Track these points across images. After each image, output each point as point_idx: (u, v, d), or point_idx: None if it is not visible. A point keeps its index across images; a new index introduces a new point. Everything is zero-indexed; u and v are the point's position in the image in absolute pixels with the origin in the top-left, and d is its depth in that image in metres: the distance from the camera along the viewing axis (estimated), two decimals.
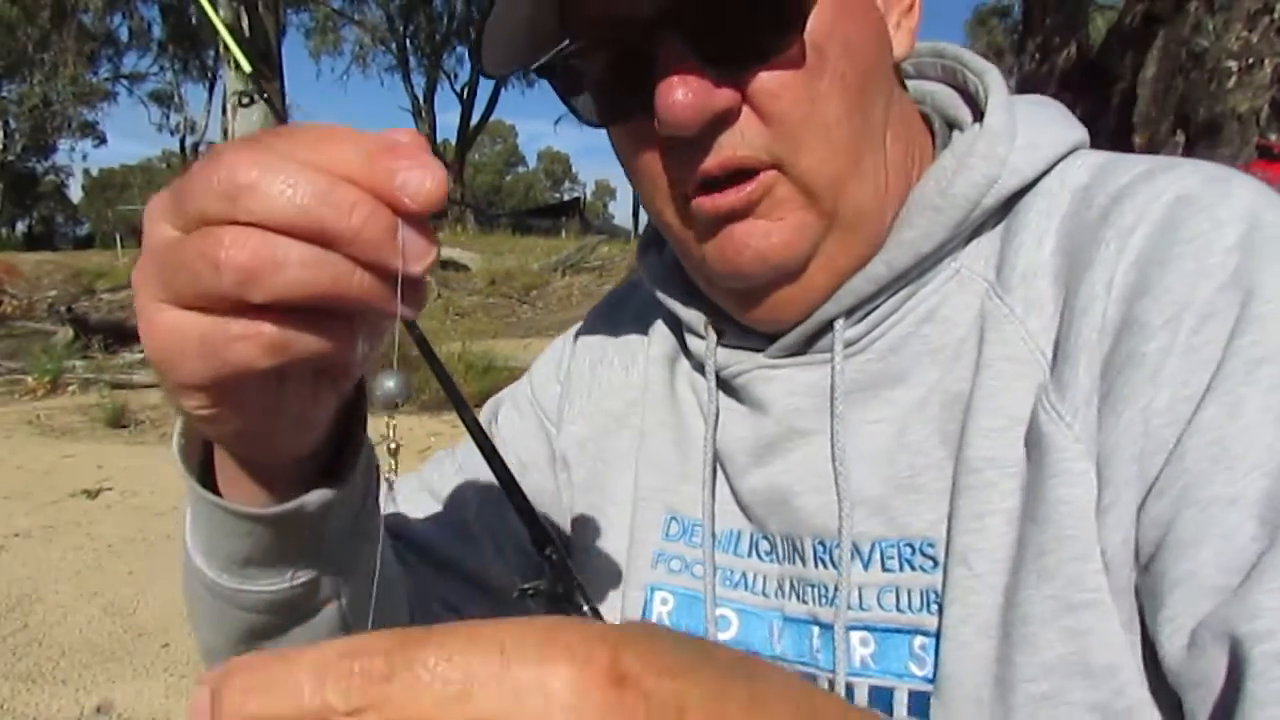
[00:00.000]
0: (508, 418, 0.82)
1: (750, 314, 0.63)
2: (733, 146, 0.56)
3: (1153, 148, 8.02)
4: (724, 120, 0.55)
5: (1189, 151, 7.39)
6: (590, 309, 0.85)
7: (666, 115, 0.54)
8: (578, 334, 0.82)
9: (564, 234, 25.37)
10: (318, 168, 0.36)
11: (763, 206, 0.57)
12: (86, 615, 3.93)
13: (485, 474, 0.77)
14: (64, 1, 27.72)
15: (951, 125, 0.65)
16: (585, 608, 0.50)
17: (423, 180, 0.36)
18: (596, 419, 0.75)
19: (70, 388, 9.24)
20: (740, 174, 0.57)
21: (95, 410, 7.95)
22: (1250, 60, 7.29)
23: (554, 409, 0.79)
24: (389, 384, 0.40)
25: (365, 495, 0.57)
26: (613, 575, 0.70)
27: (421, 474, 0.83)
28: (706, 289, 0.66)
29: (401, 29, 34.93)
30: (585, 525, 0.74)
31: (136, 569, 4.48)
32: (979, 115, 0.62)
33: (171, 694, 3.28)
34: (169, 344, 0.39)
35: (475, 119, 34.63)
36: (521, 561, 0.75)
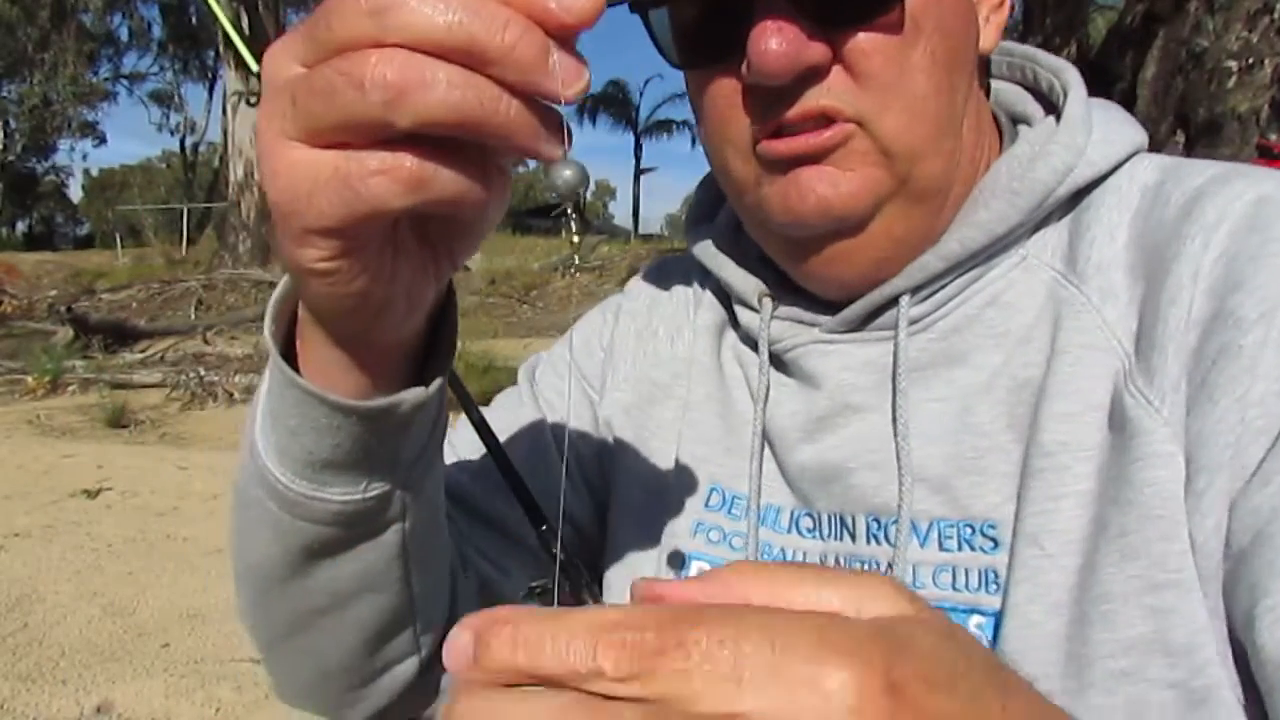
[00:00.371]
0: (548, 381, 0.81)
1: (805, 266, 0.64)
2: (817, 98, 0.57)
3: (1153, 148, 7.96)
4: (813, 75, 0.56)
5: (1189, 151, 7.39)
6: (629, 285, 0.85)
7: (758, 61, 0.54)
8: (621, 303, 0.82)
9: (564, 234, 25.31)
10: None
11: (836, 155, 0.58)
12: (86, 615, 3.93)
13: (525, 437, 0.78)
14: (64, 1, 27.72)
15: (1017, 121, 0.67)
16: (585, 594, 0.50)
17: None
18: (642, 387, 0.76)
19: (70, 388, 9.23)
20: (819, 122, 0.57)
21: (95, 410, 7.94)
22: (1250, 60, 7.29)
23: (596, 375, 0.79)
24: (566, 173, 0.37)
25: (437, 418, 0.57)
26: (650, 542, 0.71)
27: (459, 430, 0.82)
28: (762, 240, 0.67)
29: None
30: (626, 491, 0.74)
31: (136, 569, 4.47)
32: (1049, 111, 0.64)
33: (171, 694, 3.28)
34: (298, 183, 0.37)
35: None
36: (565, 530, 0.75)
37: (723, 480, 0.69)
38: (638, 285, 0.83)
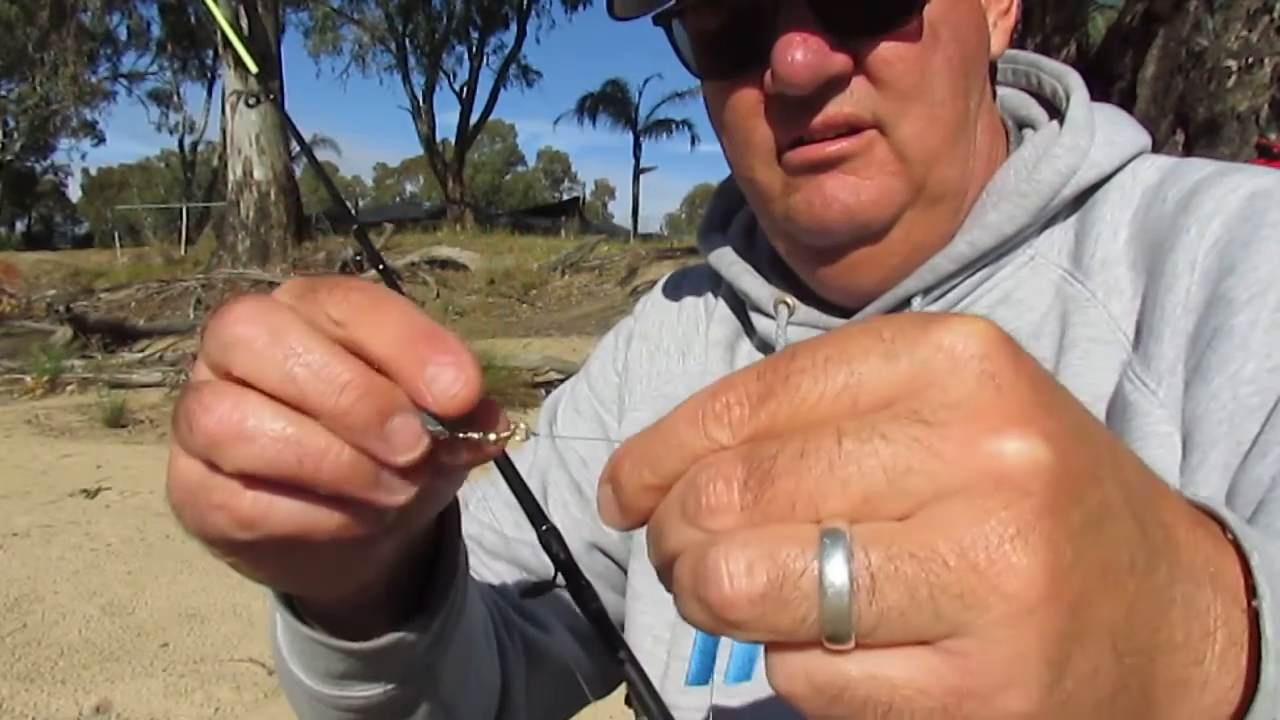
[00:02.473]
0: (566, 420, 0.83)
1: (825, 274, 0.65)
2: (840, 105, 0.58)
3: (1153, 147, 7.99)
4: (835, 84, 0.57)
5: (1189, 151, 7.39)
6: (643, 297, 0.86)
7: (784, 72, 0.56)
8: (633, 326, 0.84)
9: (563, 233, 25.38)
10: (330, 336, 0.34)
11: (857, 162, 0.59)
12: (85, 615, 3.93)
13: (541, 478, 0.79)
14: (64, 1, 27.71)
15: (1022, 125, 0.69)
16: (592, 606, 0.50)
17: (454, 381, 0.33)
18: (659, 403, 0.77)
19: (69, 387, 9.23)
20: (841, 130, 0.59)
21: (94, 410, 7.94)
22: (1250, 60, 7.29)
23: (613, 400, 0.81)
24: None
25: (450, 610, 0.56)
26: None
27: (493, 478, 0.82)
28: (783, 247, 0.68)
29: (400, 28, 34.87)
30: None
31: (135, 569, 4.47)
32: (1053, 115, 0.66)
33: (170, 693, 3.27)
34: (174, 489, 0.37)
35: (474, 118, 34.57)
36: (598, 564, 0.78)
37: None
38: (647, 306, 0.84)
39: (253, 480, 0.35)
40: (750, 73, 0.60)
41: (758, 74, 0.59)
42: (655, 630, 0.70)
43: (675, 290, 0.83)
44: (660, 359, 0.79)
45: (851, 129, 0.59)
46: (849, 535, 0.23)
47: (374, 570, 0.46)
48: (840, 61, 0.57)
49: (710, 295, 0.79)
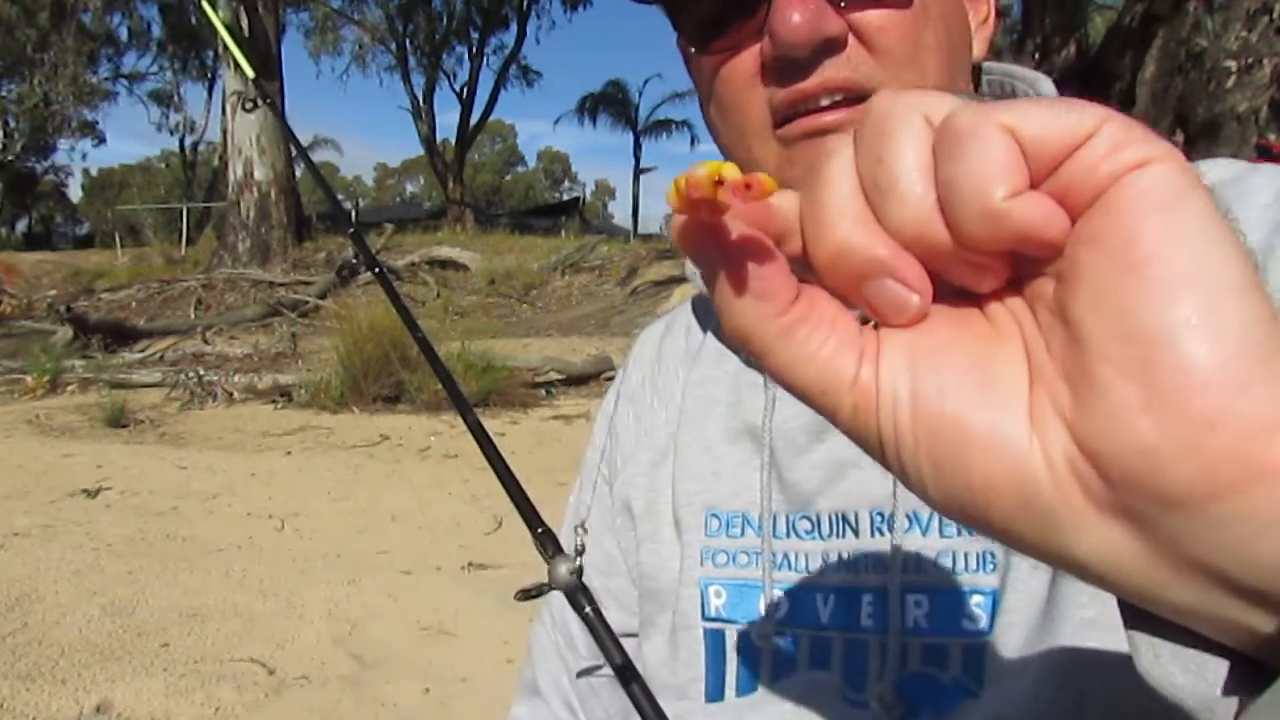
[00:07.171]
0: (586, 480, 0.85)
1: None
2: (837, 68, 0.59)
3: None
4: (830, 48, 0.58)
5: (1189, 151, 7.39)
6: (629, 355, 0.88)
7: (782, 32, 0.56)
8: (619, 387, 0.86)
9: (563, 234, 25.37)
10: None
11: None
12: (86, 615, 3.93)
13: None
14: (64, 1, 27.69)
15: None
16: (587, 609, 0.51)
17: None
18: (646, 455, 0.78)
19: (69, 387, 9.23)
20: (837, 99, 0.59)
21: (94, 410, 7.94)
22: (1249, 60, 7.30)
23: (608, 460, 0.83)
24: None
25: None
26: (671, 583, 0.73)
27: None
28: None
29: (400, 28, 34.85)
30: (645, 547, 0.76)
31: (136, 569, 4.47)
32: None
33: (171, 694, 3.28)
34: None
35: (475, 118, 34.54)
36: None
37: (717, 503, 0.71)
38: (630, 367, 0.85)
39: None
40: (746, 43, 0.61)
41: (753, 44, 0.60)
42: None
43: (657, 342, 0.84)
44: (646, 416, 0.81)
45: (848, 97, 0.59)
46: None
47: None
48: (837, 23, 0.58)
49: (700, 323, 0.80)
